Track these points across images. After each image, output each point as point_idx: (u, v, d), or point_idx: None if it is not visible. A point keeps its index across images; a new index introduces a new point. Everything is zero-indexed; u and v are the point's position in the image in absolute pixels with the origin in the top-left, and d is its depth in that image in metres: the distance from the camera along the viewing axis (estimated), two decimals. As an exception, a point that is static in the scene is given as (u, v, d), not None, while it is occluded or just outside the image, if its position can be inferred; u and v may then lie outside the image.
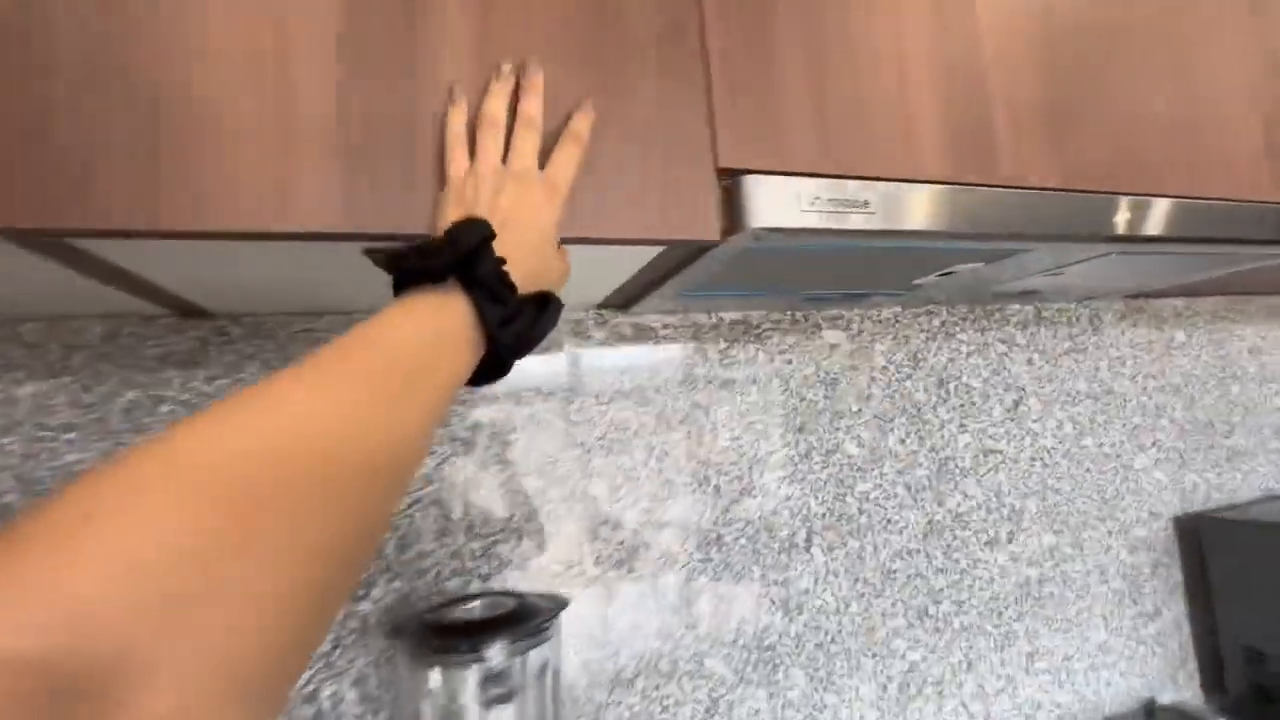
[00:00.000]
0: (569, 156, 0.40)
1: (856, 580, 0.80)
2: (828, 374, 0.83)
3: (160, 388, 0.58)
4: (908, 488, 0.85)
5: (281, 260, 0.45)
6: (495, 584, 0.66)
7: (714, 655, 0.73)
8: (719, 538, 0.75)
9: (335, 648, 0.60)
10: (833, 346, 0.84)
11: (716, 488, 0.76)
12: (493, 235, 0.33)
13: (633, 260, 0.53)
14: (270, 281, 0.52)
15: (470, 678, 0.45)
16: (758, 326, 0.81)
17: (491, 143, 0.39)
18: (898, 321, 0.88)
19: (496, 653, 0.46)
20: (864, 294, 0.76)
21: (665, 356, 0.76)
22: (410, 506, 0.64)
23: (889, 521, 0.83)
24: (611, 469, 0.72)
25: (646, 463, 0.73)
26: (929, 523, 0.85)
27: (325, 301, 0.61)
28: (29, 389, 0.55)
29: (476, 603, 0.55)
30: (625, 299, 0.70)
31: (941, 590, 0.84)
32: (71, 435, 0.56)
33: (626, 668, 0.69)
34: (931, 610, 0.83)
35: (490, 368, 0.34)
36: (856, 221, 0.47)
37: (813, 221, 0.46)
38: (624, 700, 0.69)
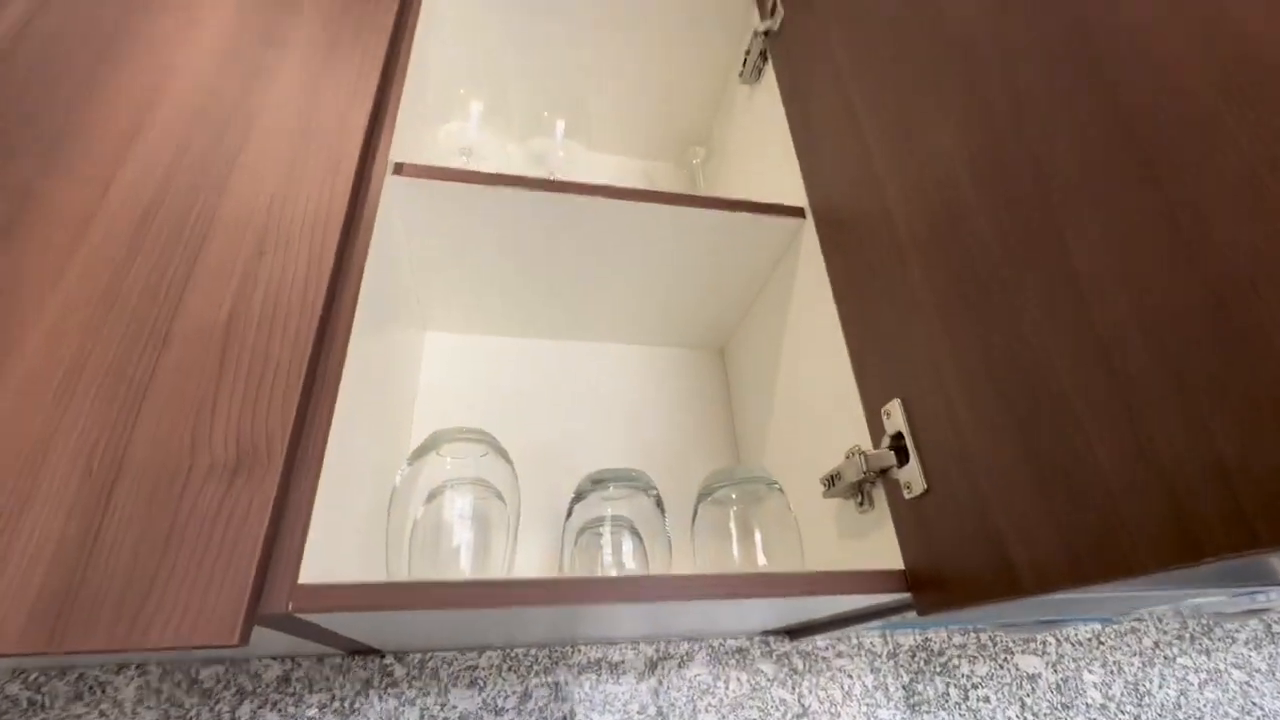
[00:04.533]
0: None
1: None
2: (1036, 717, 0.69)
3: (316, 742, 0.54)
4: None
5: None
6: None
7: None
8: None
9: None
10: (1032, 678, 0.71)
11: None
12: None
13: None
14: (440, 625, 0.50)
15: None
16: (941, 654, 0.71)
17: None
18: (1101, 643, 0.75)
19: None
20: (1062, 620, 0.67)
21: (843, 692, 0.66)
22: None
23: None
24: None
25: (838, 847, 0.59)
26: None
27: (488, 639, 0.58)
28: (192, 745, 0.52)
29: None
30: (801, 629, 0.64)
31: None
32: (218, 805, 0.50)
33: None
34: None
35: None
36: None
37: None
38: None
